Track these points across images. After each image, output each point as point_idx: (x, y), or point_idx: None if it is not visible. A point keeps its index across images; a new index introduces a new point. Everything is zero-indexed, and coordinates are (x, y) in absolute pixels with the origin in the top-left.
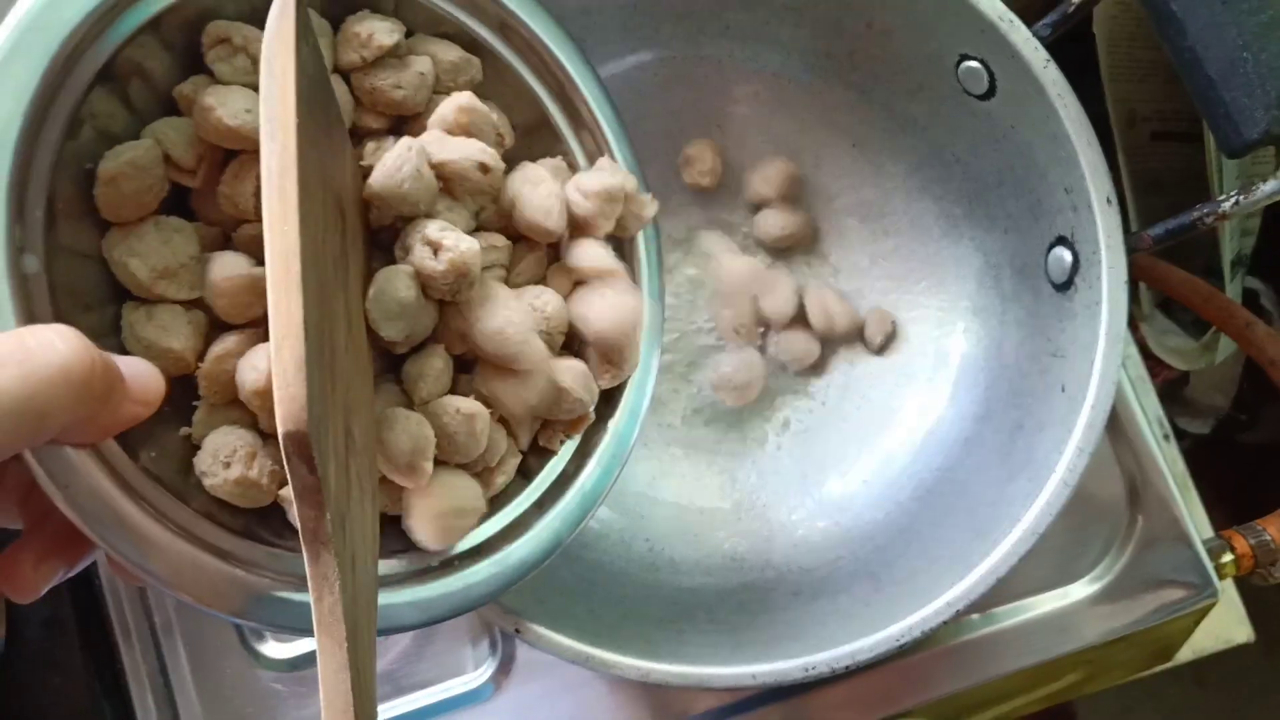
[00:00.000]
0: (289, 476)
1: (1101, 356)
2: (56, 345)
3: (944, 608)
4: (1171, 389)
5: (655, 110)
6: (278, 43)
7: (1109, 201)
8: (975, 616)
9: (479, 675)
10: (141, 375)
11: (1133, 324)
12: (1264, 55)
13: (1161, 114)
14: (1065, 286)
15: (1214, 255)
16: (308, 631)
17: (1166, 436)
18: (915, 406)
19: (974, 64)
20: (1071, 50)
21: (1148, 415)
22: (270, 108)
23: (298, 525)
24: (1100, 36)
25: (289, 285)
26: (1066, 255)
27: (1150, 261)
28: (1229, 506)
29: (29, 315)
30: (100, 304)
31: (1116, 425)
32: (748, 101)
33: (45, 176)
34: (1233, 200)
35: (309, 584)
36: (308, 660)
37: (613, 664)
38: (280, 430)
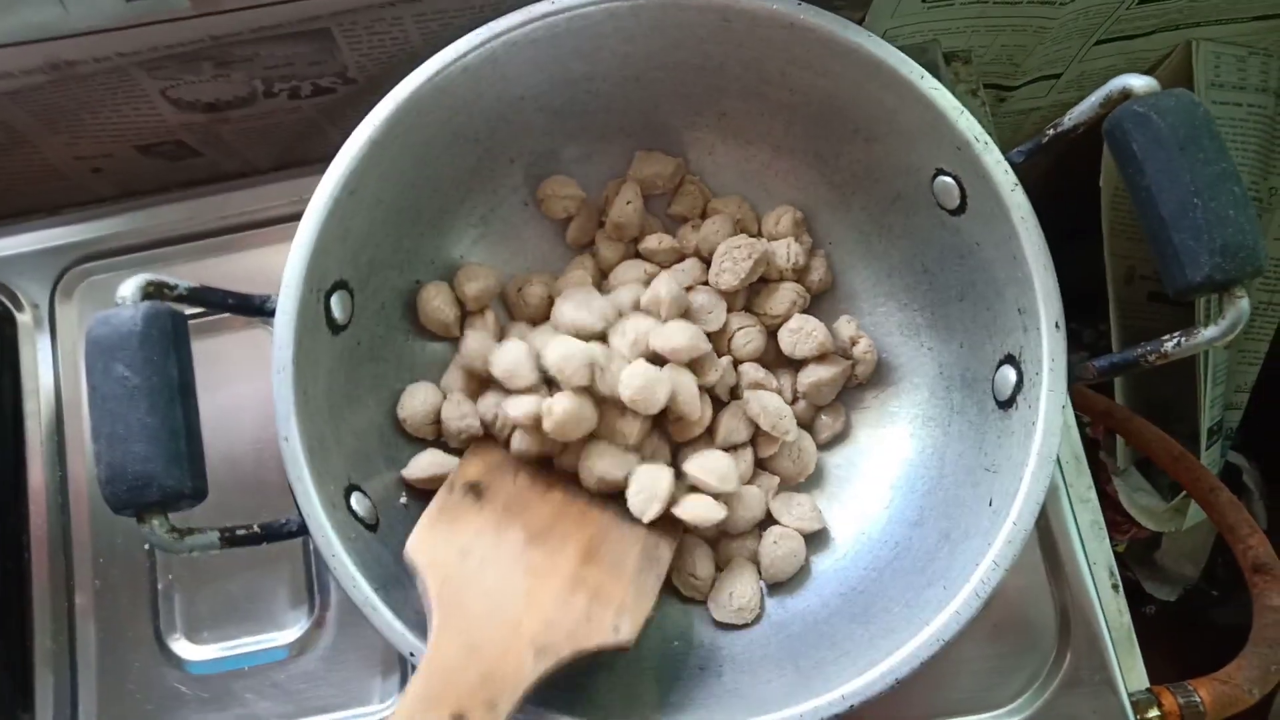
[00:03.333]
0: None
1: (1030, 475)
2: None
3: (838, 700)
4: (1142, 550)
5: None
6: None
7: (1057, 326)
8: None
9: (384, 709)
10: None
11: (1106, 476)
12: (1213, 204)
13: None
14: (1007, 404)
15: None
16: None
17: (1115, 586)
18: (854, 509)
19: (948, 179)
20: (1082, 204)
21: (1090, 559)
22: None
23: None
24: (1105, 192)
25: None
26: (1012, 374)
27: (1127, 414)
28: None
29: None
30: None
31: (1056, 560)
32: (736, 185)
33: None
34: (1174, 341)
35: None
36: (217, 665)
37: None
38: None
